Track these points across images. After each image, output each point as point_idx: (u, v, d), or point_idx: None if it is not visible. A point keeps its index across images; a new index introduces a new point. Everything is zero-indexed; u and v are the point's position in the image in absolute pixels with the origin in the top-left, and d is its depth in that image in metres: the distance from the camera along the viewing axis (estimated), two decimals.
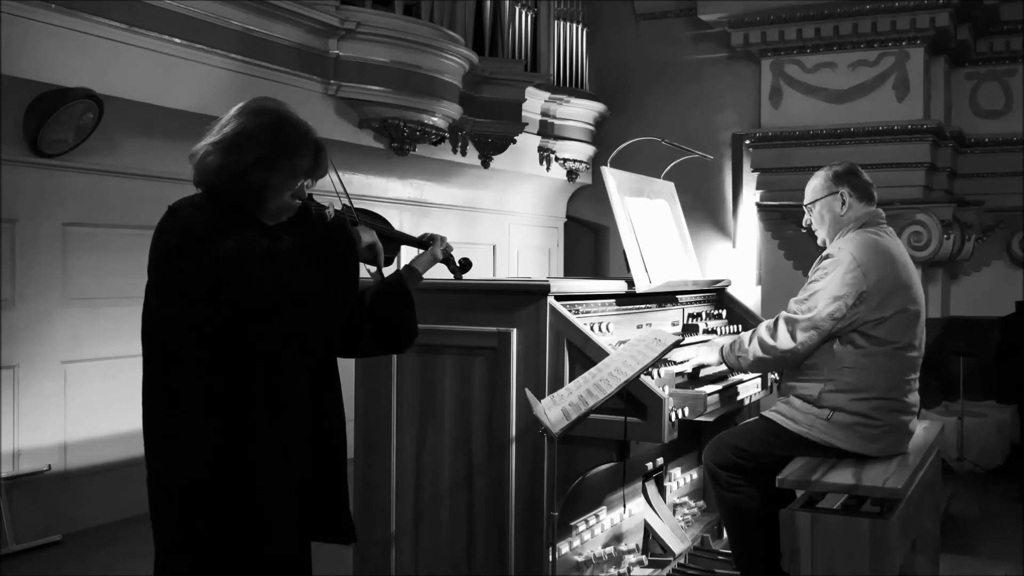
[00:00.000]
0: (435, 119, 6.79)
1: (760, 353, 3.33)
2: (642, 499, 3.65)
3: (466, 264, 2.54)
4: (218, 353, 2.03)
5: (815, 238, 3.58)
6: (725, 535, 4.34)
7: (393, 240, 2.41)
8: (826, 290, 3.24)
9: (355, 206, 2.28)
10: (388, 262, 2.39)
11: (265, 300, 2.00)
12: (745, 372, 3.65)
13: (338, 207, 2.26)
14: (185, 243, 2.01)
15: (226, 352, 2.03)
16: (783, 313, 3.34)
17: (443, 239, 2.48)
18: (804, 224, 3.63)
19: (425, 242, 2.46)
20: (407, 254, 2.56)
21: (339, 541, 2.30)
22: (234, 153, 2.09)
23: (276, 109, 2.17)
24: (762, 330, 3.36)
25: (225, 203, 2.11)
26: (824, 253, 3.37)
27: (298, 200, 2.18)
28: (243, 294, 1.99)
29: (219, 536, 2.05)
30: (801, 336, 3.25)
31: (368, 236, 2.19)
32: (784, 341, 3.28)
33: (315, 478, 2.23)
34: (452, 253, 2.50)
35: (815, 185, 3.53)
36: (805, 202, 3.56)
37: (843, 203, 3.44)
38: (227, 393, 2.04)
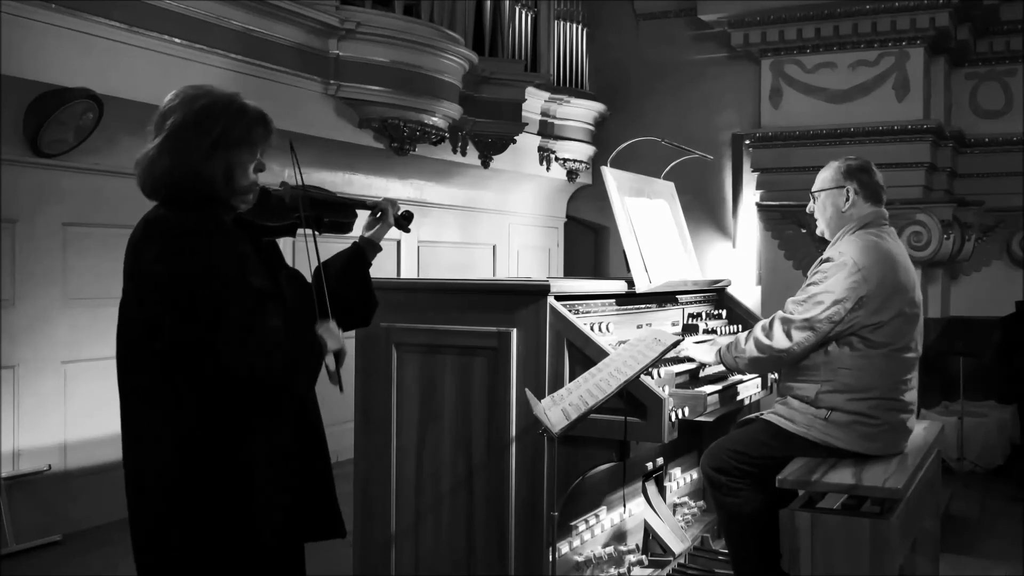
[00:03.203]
0: (435, 119, 6.79)
1: (756, 353, 3.32)
2: (642, 499, 3.65)
3: (408, 216, 2.53)
4: (197, 373, 1.99)
5: (815, 238, 3.57)
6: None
7: (347, 207, 2.40)
8: (825, 292, 3.22)
9: (304, 183, 2.25)
10: (347, 228, 2.40)
11: (235, 317, 1.97)
12: (743, 373, 3.64)
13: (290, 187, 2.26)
14: (166, 266, 1.97)
15: (204, 372, 1.99)
16: (779, 313, 3.33)
17: (394, 203, 2.46)
18: (808, 211, 3.60)
19: (380, 206, 2.44)
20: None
21: (333, 537, 2.28)
22: (184, 148, 2.04)
23: (206, 91, 2.12)
24: (758, 330, 3.35)
25: (193, 201, 2.06)
26: (825, 255, 3.34)
27: (260, 171, 2.15)
28: (213, 310, 1.95)
29: (205, 538, 2.02)
30: (797, 336, 3.24)
31: (334, 343, 2.13)
32: (780, 341, 3.26)
33: (305, 476, 2.21)
34: (398, 212, 2.50)
35: (825, 176, 3.49)
36: (812, 189, 3.53)
37: (847, 199, 3.41)
38: (213, 394, 2.01)
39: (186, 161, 2.04)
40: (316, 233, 2.26)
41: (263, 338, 2.00)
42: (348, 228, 2.40)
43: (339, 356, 2.15)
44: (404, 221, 2.52)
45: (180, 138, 2.05)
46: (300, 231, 2.30)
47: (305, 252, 2.17)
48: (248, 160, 2.11)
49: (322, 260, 2.24)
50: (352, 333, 2.97)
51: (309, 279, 2.26)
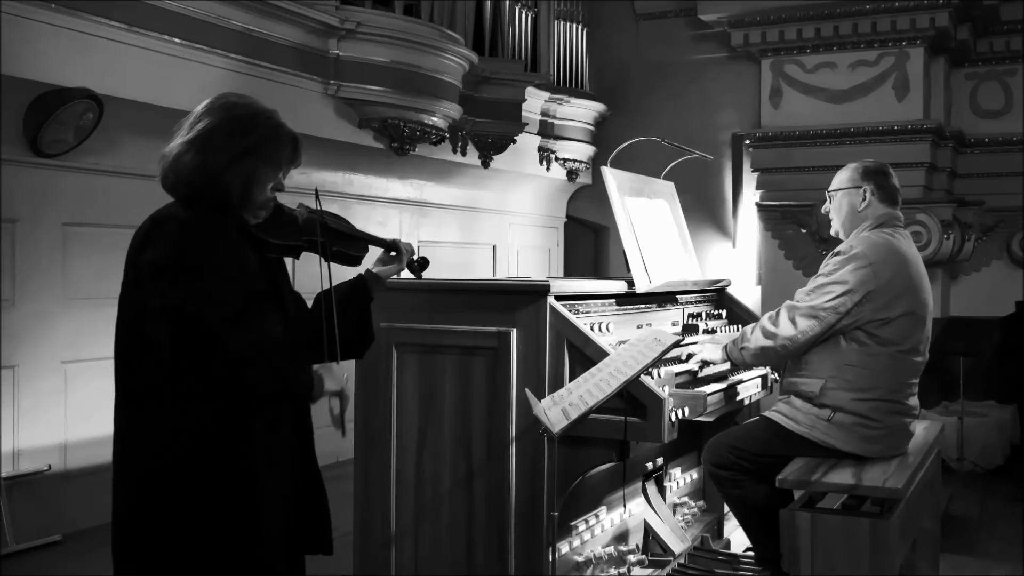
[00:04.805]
0: (435, 119, 6.79)
1: (763, 340, 3.33)
2: (642, 499, 3.65)
3: (424, 263, 2.52)
4: (201, 371, 1.99)
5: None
6: (725, 535, 4.35)
7: (361, 241, 2.39)
8: (834, 283, 3.25)
9: (321, 208, 2.25)
10: (355, 261, 2.38)
11: (236, 344, 1.98)
12: (749, 366, 3.63)
13: (304, 210, 2.25)
14: (171, 262, 1.97)
15: (208, 371, 1.99)
16: (787, 302, 3.36)
17: (409, 248, 2.44)
18: (823, 211, 3.65)
19: (392, 245, 2.43)
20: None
21: (321, 552, 2.28)
22: (212, 150, 2.05)
23: (246, 103, 2.14)
24: (765, 319, 3.39)
25: (206, 205, 2.06)
26: (836, 249, 3.37)
27: (278, 191, 2.16)
28: (218, 334, 1.96)
29: (206, 541, 2.01)
30: (802, 324, 3.25)
31: (333, 384, 2.12)
32: (785, 328, 3.29)
33: (301, 488, 2.21)
34: (413, 256, 2.48)
35: (843, 176, 3.54)
36: (829, 189, 3.57)
37: (863, 199, 3.44)
38: (210, 390, 2.00)
39: (211, 163, 2.05)
40: (327, 262, 2.25)
41: (260, 338, 2.00)
42: (356, 262, 2.37)
43: (343, 400, 2.14)
44: (418, 267, 2.50)
45: (211, 140, 2.06)
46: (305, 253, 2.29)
47: (305, 273, 2.16)
48: (269, 177, 2.12)
49: (324, 288, 2.22)
50: None
51: (308, 301, 2.25)
